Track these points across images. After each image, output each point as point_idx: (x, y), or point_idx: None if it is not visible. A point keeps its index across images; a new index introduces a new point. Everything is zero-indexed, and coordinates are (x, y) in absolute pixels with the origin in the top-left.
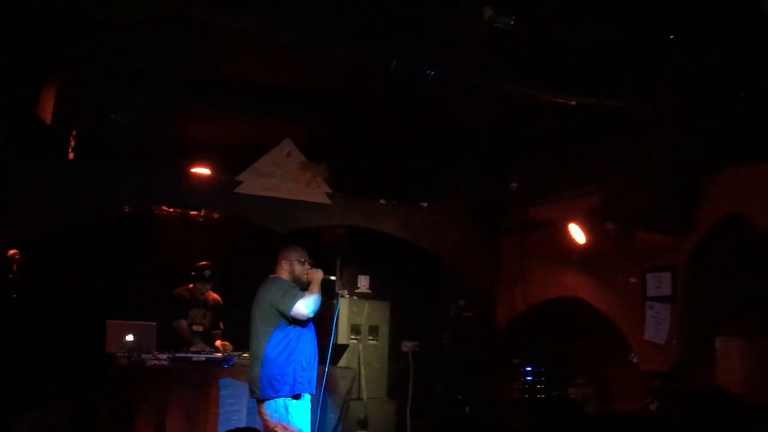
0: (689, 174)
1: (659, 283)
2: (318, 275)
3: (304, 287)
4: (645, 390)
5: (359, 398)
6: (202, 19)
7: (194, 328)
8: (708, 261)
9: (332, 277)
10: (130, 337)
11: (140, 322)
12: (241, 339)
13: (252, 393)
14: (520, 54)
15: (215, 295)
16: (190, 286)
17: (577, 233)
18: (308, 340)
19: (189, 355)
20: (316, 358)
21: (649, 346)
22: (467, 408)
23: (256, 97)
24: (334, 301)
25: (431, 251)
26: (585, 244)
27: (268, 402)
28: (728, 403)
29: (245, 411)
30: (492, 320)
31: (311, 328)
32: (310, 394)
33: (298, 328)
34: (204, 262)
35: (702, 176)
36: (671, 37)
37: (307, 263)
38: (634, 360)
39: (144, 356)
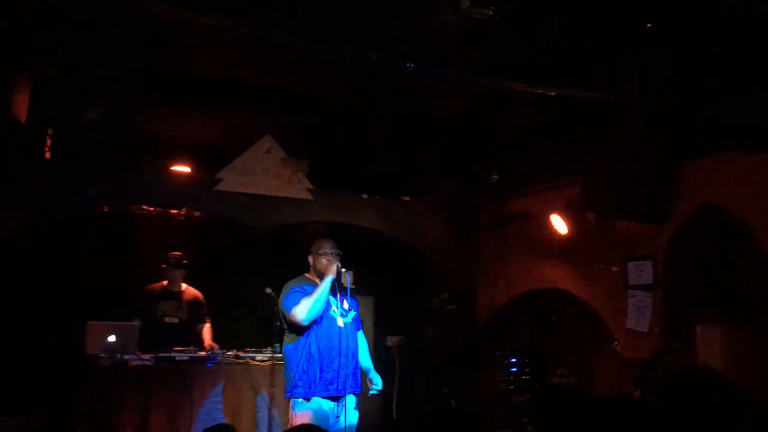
0: (663, 163)
1: (640, 272)
2: (329, 270)
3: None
4: (628, 378)
5: None
6: (167, 16)
7: (167, 320)
8: (687, 249)
9: (343, 270)
10: (112, 338)
11: (122, 323)
12: (222, 337)
13: None
14: (494, 47)
15: (195, 291)
16: (165, 282)
17: (558, 224)
18: (327, 338)
19: (172, 354)
20: (336, 357)
21: (632, 334)
22: (453, 401)
23: (236, 95)
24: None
25: (412, 245)
26: (565, 235)
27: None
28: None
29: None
30: (474, 313)
31: (332, 325)
32: (325, 397)
33: (314, 328)
34: (173, 252)
35: (677, 166)
36: (648, 26)
37: (325, 256)
38: (618, 348)
39: (126, 357)
